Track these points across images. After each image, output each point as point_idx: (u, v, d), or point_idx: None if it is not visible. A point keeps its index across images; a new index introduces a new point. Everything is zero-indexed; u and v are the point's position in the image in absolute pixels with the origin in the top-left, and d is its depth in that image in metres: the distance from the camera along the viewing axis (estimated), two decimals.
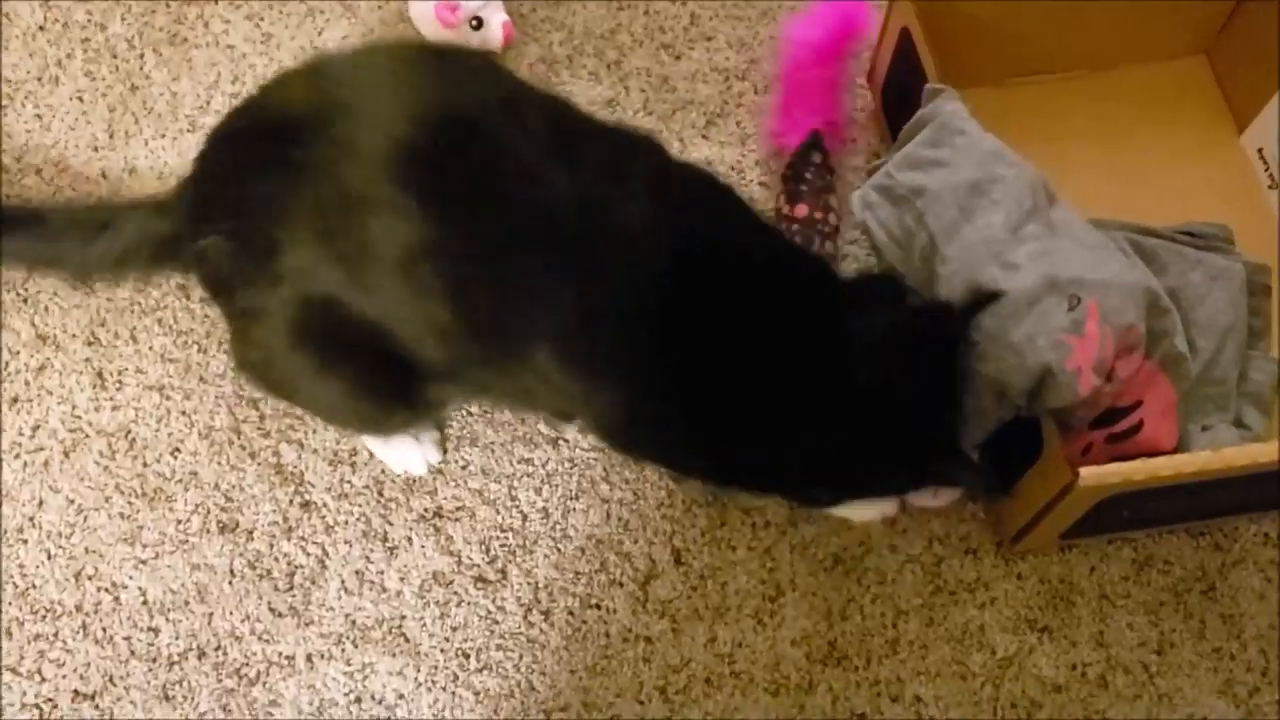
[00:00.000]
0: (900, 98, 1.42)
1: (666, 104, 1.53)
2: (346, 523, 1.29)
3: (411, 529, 1.28)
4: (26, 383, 1.35)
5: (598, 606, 1.25)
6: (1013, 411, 1.17)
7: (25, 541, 1.27)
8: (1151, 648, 1.24)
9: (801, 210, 1.39)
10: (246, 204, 1.07)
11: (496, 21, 1.51)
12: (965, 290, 1.15)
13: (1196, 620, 1.25)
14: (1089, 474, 1.10)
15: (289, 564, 1.27)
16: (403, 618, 1.25)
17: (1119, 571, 1.28)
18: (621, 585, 1.26)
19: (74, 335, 1.37)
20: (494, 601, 1.26)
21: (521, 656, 1.23)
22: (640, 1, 1.59)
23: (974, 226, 1.20)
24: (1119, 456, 1.19)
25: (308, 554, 1.27)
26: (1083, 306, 1.14)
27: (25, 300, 1.39)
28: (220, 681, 1.21)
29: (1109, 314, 1.15)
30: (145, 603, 1.25)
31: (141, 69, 1.54)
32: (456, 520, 1.29)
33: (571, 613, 1.25)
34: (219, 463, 1.31)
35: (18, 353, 1.36)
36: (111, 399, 1.34)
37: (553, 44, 1.56)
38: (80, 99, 1.52)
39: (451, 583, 1.26)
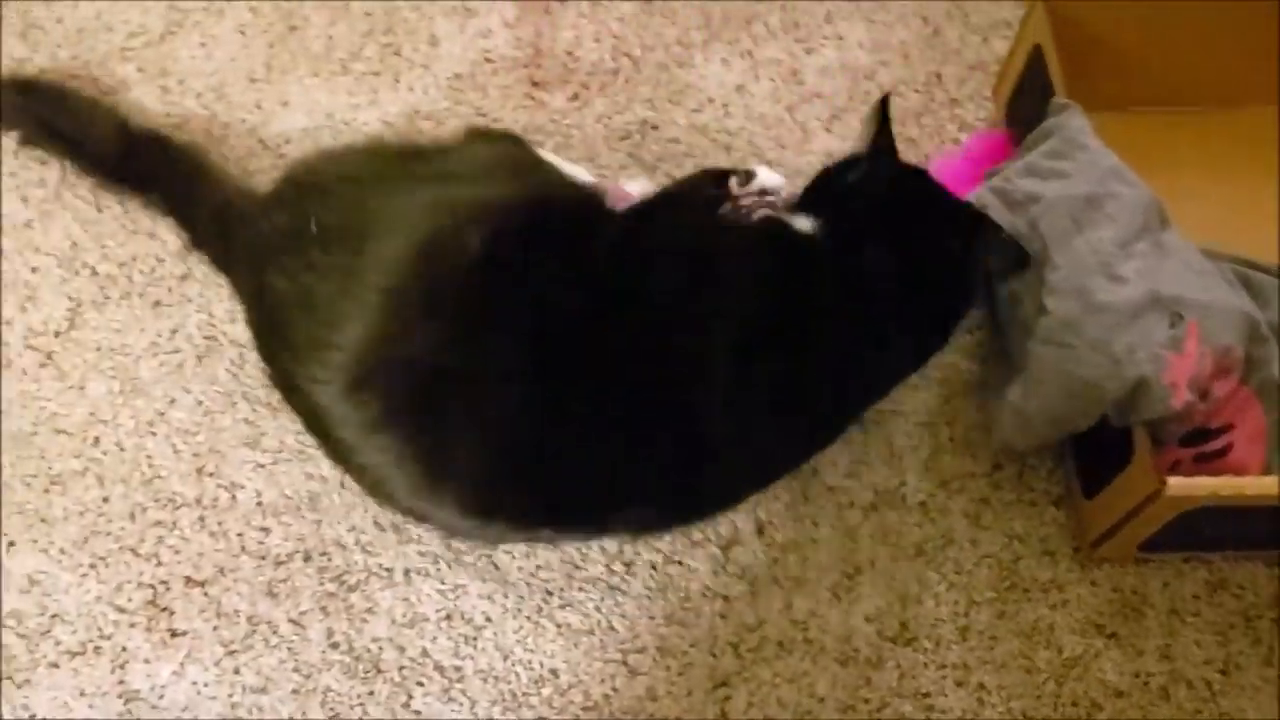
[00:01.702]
0: (1025, 111, 1.46)
1: (794, 95, 1.58)
2: None
3: None
4: (169, 289, 1.43)
5: (680, 563, 1.31)
6: (1099, 418, 1.21)
7: (154, 434, 1.36)
8: (1217, 666, 1.27)
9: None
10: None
11: None
12: (1074, 299, 1.20)
13: (1265, 646, 1.28)
14: (1176, 484, 1.13)
15: None
16: (494, 548, 1.31)
17: (1192, 589, 1.31)
18: (703, 548, 1.32)
19: None
20: (579, 549, 1.31)
21: (602, 599, 1.29)
22: None
23: (1085, 238, 1.24)
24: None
25: None
26: (1183, 324, 1.18)
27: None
28: (322, 585, 1.29)
29: (1209, 334, 1.18)
30: (260, 504, 1.33)
31: (301, 10, 1.63)
32: None
33: (654, 566, 1.31)
34: None
35: (164, 260, 1.45)
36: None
37: (690, 29, 1.63)
38: (242, 32, 1.61)
39: None
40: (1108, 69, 1.48)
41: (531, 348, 1.10)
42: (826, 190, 1.27)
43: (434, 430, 1.10)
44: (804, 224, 1.23)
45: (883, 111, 1.23)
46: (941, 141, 1.55)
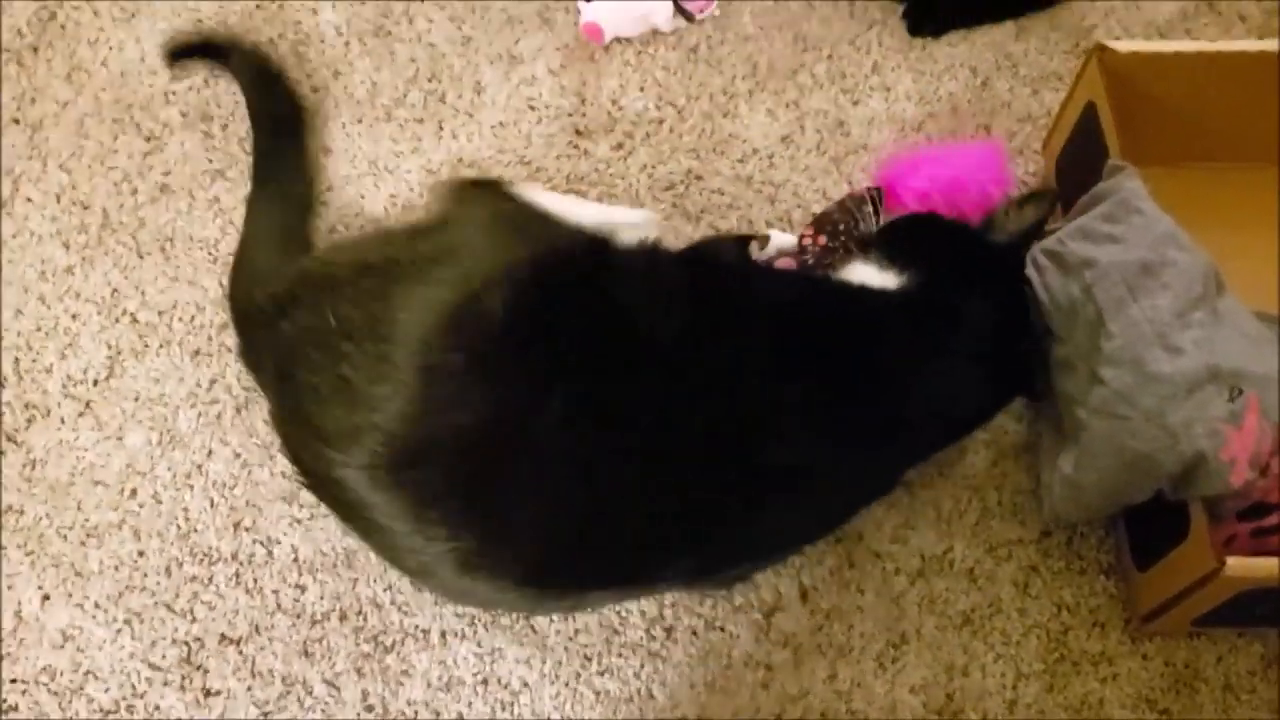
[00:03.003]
0: (1076, 168, 1.43)
1: (840, 146, 1.56)
2: None
3: None
4: (209, 338, 1.43)
5: (721, 629, 1.29)
6: (1153, 492, 1.18)
7: (192, 487, 1.35)
8: None
9: (822, 240, 1.40)
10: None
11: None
12: (1129, 369, 1.17)
13: None
14: (1236, 564, 1.10)
15: None
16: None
17: (1246, 665, 1.27)
18: (746, 613, 1.29)
19: None
20: (619, 612, 1.29)
21: (642, 665, 1.27)
22: (825, 46, 1.63)
23: (1141, 306, 1.21)
24: (1262, 552, 1.20)
25: None
26: (1243, 399, 1.14)
27: (215, 260, 1.47)
28: (358, 645, 1.27)
29: (1270, 409, 1.15)
30: (296, 560, 1.31)
31: (346, 56, 1.62)
32: None
33: (695, 633, 1.28)
34: None
35: (204, 308, 1.44)
36: None
37: (736, 78, 1.61)
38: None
39: None
40: (1161, 124, 1.45)
41: (574, 406, 1.08)
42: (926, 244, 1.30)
43: (484, 503, 1.08)
44: (877, 276, 1.25)
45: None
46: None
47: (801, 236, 1.41)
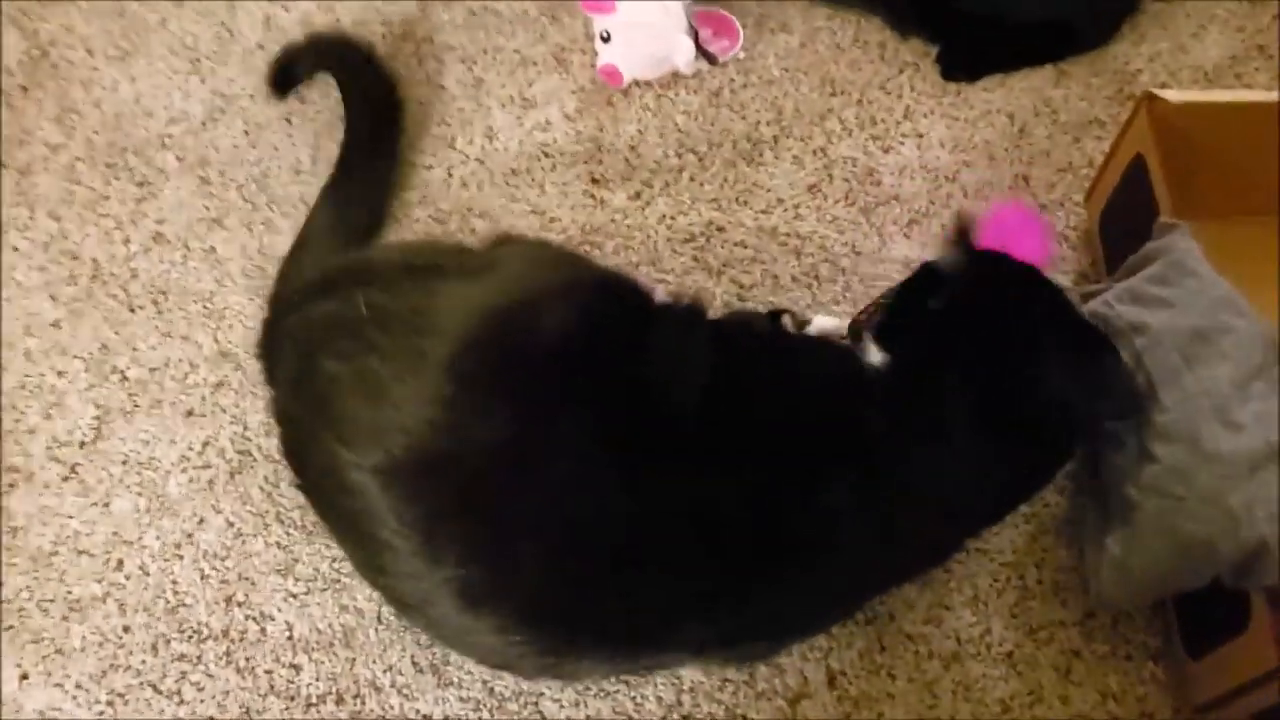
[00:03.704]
0: (1122, 223, 1.36)
1: (870, 197, 1.49)
2: None
3: None
4: (203, 398, 1.35)
5: (744, 718, 1.20)
6: (1210, 579, 1.09)
7: (181, 558, 1.27)
8: None
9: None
10: None
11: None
12: (1184, 445, 1.09)
13: None
14: None
15: None
16: (540, 694, 1.21)
17: None
18: (769, 700, 1.21)
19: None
20: (634, 698, 1.21)
21: None
22: (855, 91, 1.56)
23: (1196, 377, 1.13)
24: None
25: None
26: None
27: (209, 314, 1.40)
28: None
29: None
30: (291, 638, 1.23)
31: None
32: None
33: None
34: None
35: (198, 366, 1.37)
36: None
37: (760, 124, 1.53)
38: (289, 120, 1.53)
39: None
40: (1213, 176, 1.36)
41: (600, 443, 1.02)
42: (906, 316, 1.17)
43: (496, 529, 1.01)
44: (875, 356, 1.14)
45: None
46: None
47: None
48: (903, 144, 1.52)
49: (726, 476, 1.05)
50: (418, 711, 1.20)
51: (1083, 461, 1.27)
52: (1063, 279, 1.43)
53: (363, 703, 1.20)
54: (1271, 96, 1.32)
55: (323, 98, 1.54)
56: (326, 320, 1.12)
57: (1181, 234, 1.21)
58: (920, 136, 1.53)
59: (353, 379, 1.04)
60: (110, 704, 1.20)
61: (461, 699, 1.20)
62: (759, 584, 1.06)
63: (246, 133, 1.52)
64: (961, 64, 1.56)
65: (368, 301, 1.08)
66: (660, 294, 1.34)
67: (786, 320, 1.29)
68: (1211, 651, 1.15)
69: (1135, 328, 1.18)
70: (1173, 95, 1.29)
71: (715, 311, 1.39)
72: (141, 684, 1.21)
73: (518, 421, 1.01)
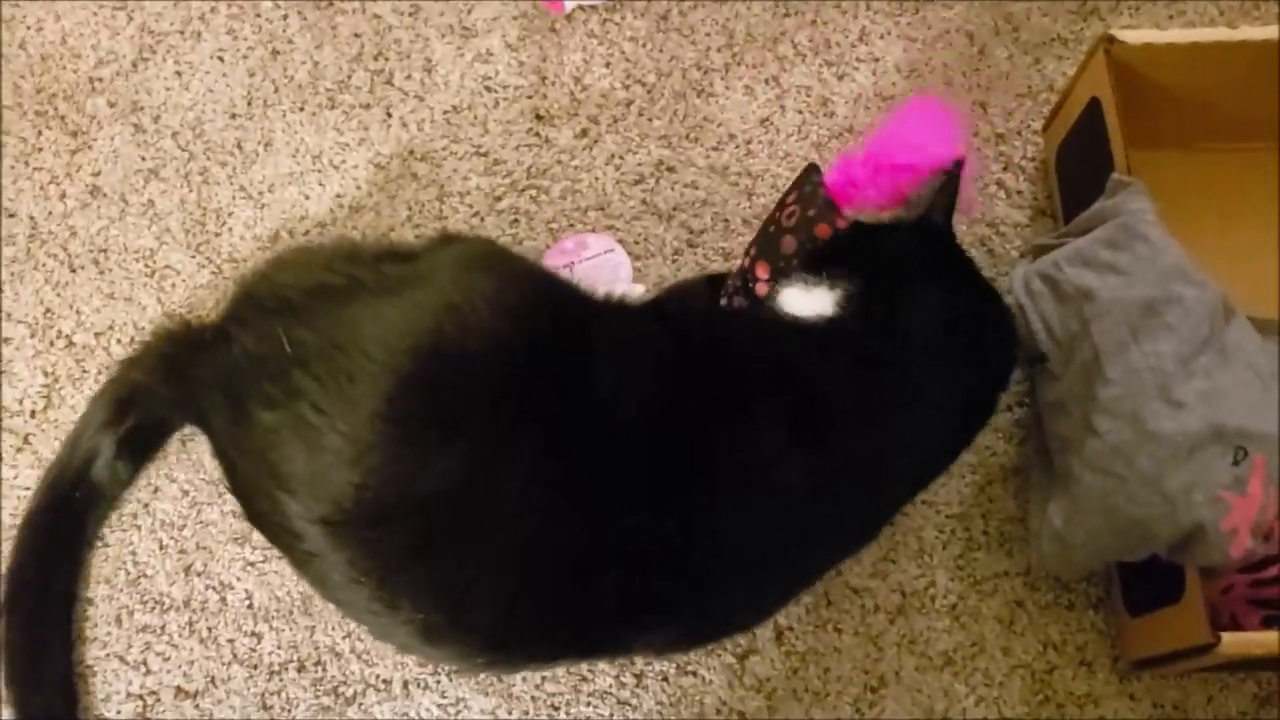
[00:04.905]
0: (1078, 161, 1.32)
1: (823, 129, 1.44)
2: None
3: None
4: None
5: (693, 674, 1.24)
6: (1146, 555, 1.11)
7: (139, 528, 1.29)
8: None
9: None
10: None
11: None
12: (1126, 422, 1.09)
13: None
14: (1231, 640, 1.04)
15: None
16: None
17: (1238, 705, 1.23)
18: (718, 657, 1.24)
19: None
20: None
21: (611, 714, 1.22)
22: (808, 10, 1.49)
23: (1142, 351, 1.12)
24: (1260, 602, 1.14)
25: None
26: (1248, 462, 1.06)
27: (151, 273, 1.38)
28: (318, 698, 1.23)
29: (1274, 472, 1.07)
30: (251, 607, 1.26)
31: (284, 31, 1.48)
32: None
33: (666, 679, 1.24)
34: None
35: (143, 328, 1.36)
36: None
37: (710, 50, 1.47)
38: (221, 58, 1.47)
39: None
40: (1168, 110, 1.32)
41: (551, 462, 1.01)
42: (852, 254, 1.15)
43: (449, 574, 1.01)
44: (811, 300, 1.12)
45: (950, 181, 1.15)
46: (985, 185, 1.41)
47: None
48: (857, 69, 1.47)
49: (679, 476, 1.04)
50: (377, 676, 1.24)
51: (1034, 416, 1.28)
52: (1018, 213, 1.41)
53: (324, 669, 1.24)
54: (1230, 34, 1.27)
55: (255, 33, 1.48)
56: (250, 362, 1.06)
57: (1134, 193, 1.18)
58: (876, 60, 1.47)
59: (288, 429, 1.01)
60: (80, 676, 1.23)
61: (420, 664, 1.24)
62: (719, 579, 1.07)
63: (179, 74, 1.46)
64: None
65: (289, 338, 1.03)
66: (638, 291, 1.32)
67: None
68: (1149, 613, 1.17)
69: (1084, 294, 1.16)
70: (1131, 36, 1.24)
71: (665, 258, 1.38)
72: (108, 655, 1.24)
73: (463, 458, 0.99)
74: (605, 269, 1.35)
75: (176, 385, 1.15)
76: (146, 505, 1.29)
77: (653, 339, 1.11)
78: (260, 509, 1.07)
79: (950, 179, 1.16)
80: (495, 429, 1.00)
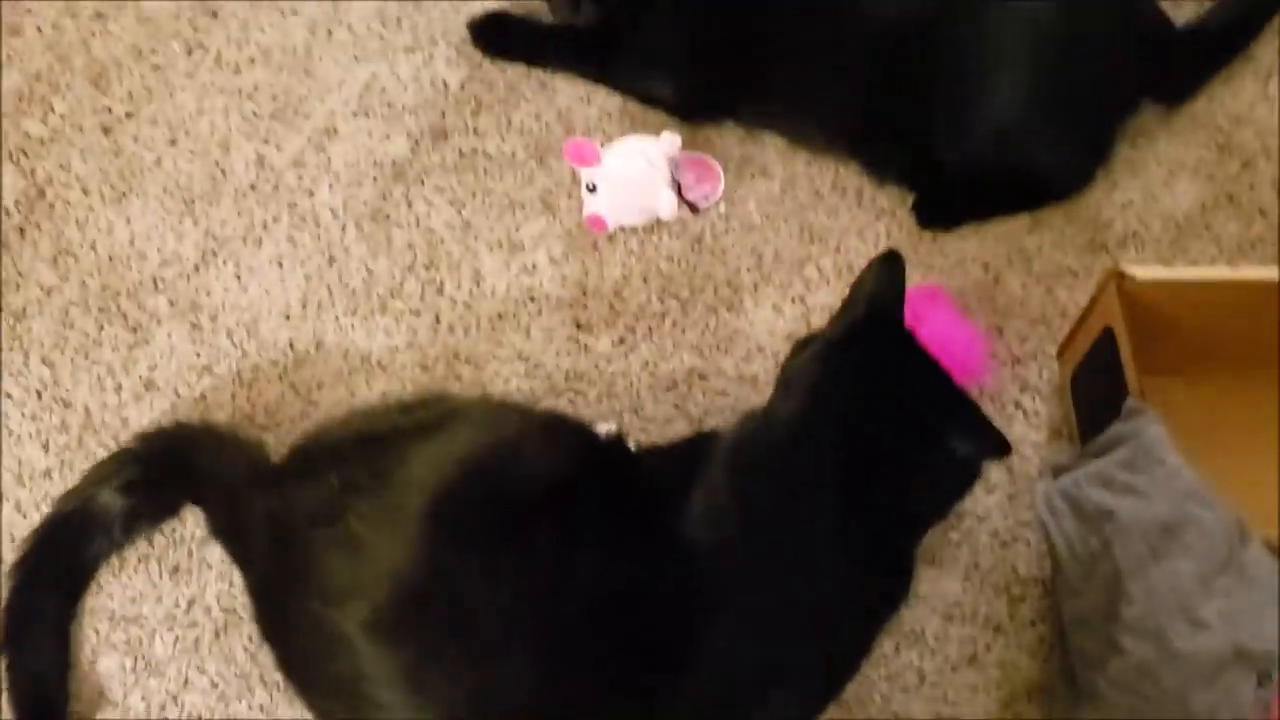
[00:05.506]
0: (1093, 386, 1.38)
1: None
2: None
3: None
4: (190, 552, 1.37)
5: None
6: None
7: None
8: None
9: None
10: None
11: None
12: (1150, 641, 1.12)
13: None
14: None
15: None
16: None
17: None
18: None
19: None
20: None
21: None
22: (832, 238, 1.58)
23: (1162, 570, 1.15)
24: None
25: None
26: (1271, 685, 1.09)
27: None
28: None
29: None
30: None
31: (342, 240, 1.57)
32: None
33: None
34: None
35: (184, 519, 1.39)
36: None
37: (741, 270, 1.56)
38: (280, 264, 1.56)
39: None
40: (1180, 340, 1.40)
41: (570, 554, 1.08)
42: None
43: (478, 658, 1.05)
44: None
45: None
46: (1002, 406, 1.47)
47: None
48: None
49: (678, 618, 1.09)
50: None
51: (1059, 632, 1.30)
52: (1035, 433, 1.46)
53: None
54: (1233, 273, 1.35)
55: (313, 240, 1.57)
56: (300, 501, 1.16)
57: (1150, 420, 1.24)
58: None
59: (332, 541, 1.10)
60: None
61: None
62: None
63: (238, 276, 1.55)
64: (938, 212, 1.59)
65: (339, 477, 1.14)
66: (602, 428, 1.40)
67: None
68: None
69: (1104, 512, 1.21)
70: (1141, 272, 1.32)
71: None
72: None
73: (492, 549, 1.07)
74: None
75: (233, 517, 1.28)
76: (175, 697, 1.30)
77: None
78: (294, 637, 1.14)
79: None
80: (523, 531, 1.09)
